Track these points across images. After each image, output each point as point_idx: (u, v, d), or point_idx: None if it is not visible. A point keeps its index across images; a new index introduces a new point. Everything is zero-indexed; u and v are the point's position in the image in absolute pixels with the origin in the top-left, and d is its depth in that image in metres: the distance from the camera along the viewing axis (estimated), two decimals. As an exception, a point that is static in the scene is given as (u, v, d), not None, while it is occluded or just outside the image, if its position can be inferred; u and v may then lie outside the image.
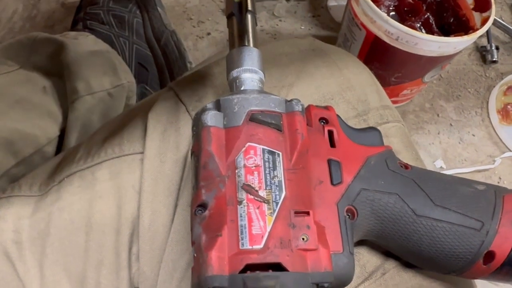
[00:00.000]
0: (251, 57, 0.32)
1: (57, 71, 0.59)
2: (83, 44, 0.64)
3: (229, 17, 0.34)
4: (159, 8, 0.73)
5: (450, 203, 0.29)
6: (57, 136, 0.56)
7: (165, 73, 0.71)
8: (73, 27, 0.73)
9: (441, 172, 0.76)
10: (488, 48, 0.90)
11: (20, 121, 0.53)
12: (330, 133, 0.30)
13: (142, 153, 0.37)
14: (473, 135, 0.82)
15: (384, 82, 0.72)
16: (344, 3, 0.75)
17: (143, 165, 0.36)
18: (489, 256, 0.28)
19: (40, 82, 0.58)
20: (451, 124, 0.82)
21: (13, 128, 0.51)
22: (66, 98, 0.58)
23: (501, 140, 0.81)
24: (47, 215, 0.37)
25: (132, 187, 0.36)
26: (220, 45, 0.87)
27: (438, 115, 0.83)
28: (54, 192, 0.37)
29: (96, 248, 0.36)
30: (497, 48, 0.90)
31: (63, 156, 0.42)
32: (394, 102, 0.79)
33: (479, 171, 0.78)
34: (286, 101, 0.30)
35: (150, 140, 0.37)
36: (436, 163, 0.77)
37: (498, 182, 0.77)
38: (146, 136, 0.37)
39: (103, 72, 0.63)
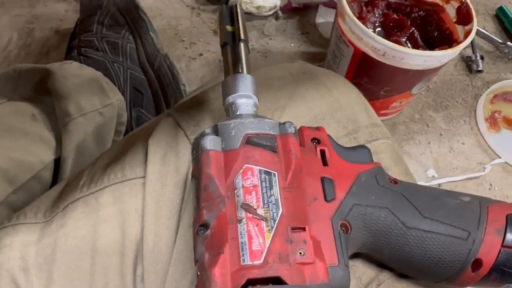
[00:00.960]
0: (245, 83, 0.34)
1: (45, 98, 0.61)
2: (69, 69, 0.66)
3: (223, 46, 0.36)
4: (151, 33, 0.75)
5: (438, 214, 0.30)
6: (52, 160, 0.57)
7: (159, 96, 0.73)
8: (68, 54, 0.75)
9: (434, 181, 0.78)
10: (473, 58, 0.93)
11: (12, 149, 0.53)
12: (322, 153, 0.32)
13: (143, 177, 0.38)
14: (463, 144, 0.84)
15: (374, 96, 0.74)
16: (332, 19, 0.77)
17: (145, 189, 0.37)
18: (477, 263, 0.30)
19: (28, 110, 0.59)
20: (441, 134, 0.85)
21: (6, 157, 0.52)
22: (57, 123, 0.59)
23: (490, 147, 0.83)
24: (53, 241, 0.38)
25: (135, 211, 0.38)
26: (212, 65, 0.89)
27: (427, 125, 0.86)
28: (59, 218, 0.39)
29: (101, 271, 0.37)
30: (482, 57, 0.93)
31: (66, 183, 0.43)
32: (384, 114, 0.81)
33: (470, 178, 0.79)
34: (280, 123, 0.31)
35: (151, 165, 0.38)
36: (428, 173, 0.79)
37: (489, 189, 0.79)
38: (147, 161, 0.38)
39: (92, 93, 0.64)
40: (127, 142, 0.44)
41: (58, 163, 0.58)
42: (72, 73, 0.64)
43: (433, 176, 0.79)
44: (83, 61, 0.71)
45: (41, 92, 0.61)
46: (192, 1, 0.99)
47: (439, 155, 0.82)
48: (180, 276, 0.36)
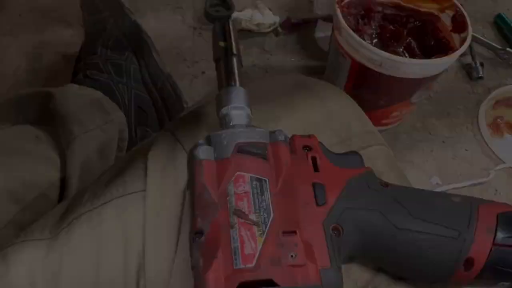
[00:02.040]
0: (238, 95, 0.35)
1: (48, 120, 0.62)
2: (68, 91, 0.67)
3: (217, 61, 0.38)
4: (154, 54, 0.77)
5: (428, 215, 0.31)
6: (58, 179, 0.58)
7: (163, 114, 0.74)
8: (74, 77, 0.77)
9: (438, 188, 0.78)
10: (473, 65, 0.94)
11: (18, 170, 0.54)
12: (313, 159, 0.33)
13: (144, 190, 0.39)
14: (466, 150, 0.84)
15: (374, 105, 0.75)
16: (331, 33, 0.79)
17: (146, 201, 0.39)
18: (469, 262, 0.30)
19: (32, 132, 0.61)
20: (443, 141, 0.85)
21: (11, 177, 0.53)
22: (61, 143, 0.61)
23: (494, 153, 0.83)
24: (58, 256, 0.39)
25: (137, 224, 0.38)
26: (214, 83, 0.89)
27: (430, 133, 0.86)
28: (64, 234, 0.40)
29: (106, 284, 0.38)
30: (481, 64, 0.94)
31: (71, 200, 0.44)
32: (386, 124, 0.82)
33: (475, 185, 0.79)
34: (270, 132, 0.33)
35: (151, 178, 0.39)
36: (432, 180, 0.79)
37: (495, 194, 0.78)
38: (147, 175, 0.40)
39: (93, 111, 0.66)
40: (129, 157, 0.45)
41: (64, 182, 0.59)
42: (72, 94, 0.66)
43: (437, 183, 0.79)
44: (88, 83, 0.73)
45: (44, 114, 0.62)
46: (193, 21, 1.01)
47: (443, 163, 0.82)
48: (182, 286, 0.36)
